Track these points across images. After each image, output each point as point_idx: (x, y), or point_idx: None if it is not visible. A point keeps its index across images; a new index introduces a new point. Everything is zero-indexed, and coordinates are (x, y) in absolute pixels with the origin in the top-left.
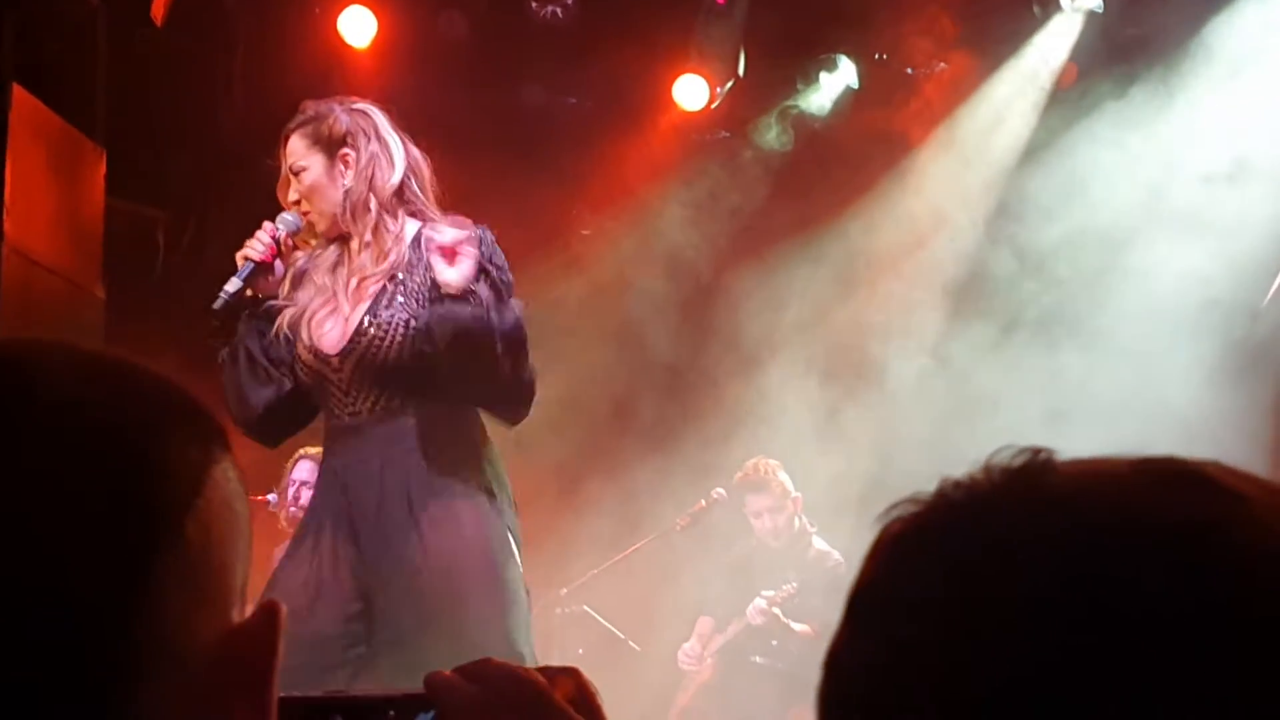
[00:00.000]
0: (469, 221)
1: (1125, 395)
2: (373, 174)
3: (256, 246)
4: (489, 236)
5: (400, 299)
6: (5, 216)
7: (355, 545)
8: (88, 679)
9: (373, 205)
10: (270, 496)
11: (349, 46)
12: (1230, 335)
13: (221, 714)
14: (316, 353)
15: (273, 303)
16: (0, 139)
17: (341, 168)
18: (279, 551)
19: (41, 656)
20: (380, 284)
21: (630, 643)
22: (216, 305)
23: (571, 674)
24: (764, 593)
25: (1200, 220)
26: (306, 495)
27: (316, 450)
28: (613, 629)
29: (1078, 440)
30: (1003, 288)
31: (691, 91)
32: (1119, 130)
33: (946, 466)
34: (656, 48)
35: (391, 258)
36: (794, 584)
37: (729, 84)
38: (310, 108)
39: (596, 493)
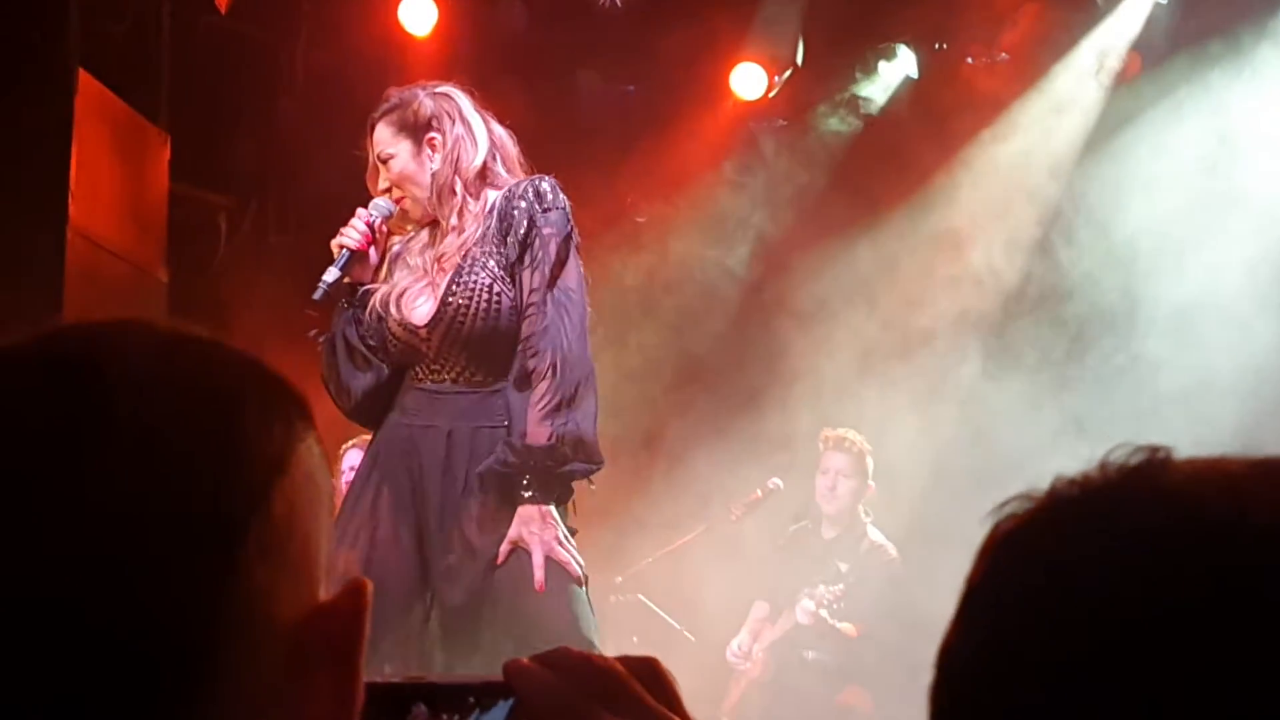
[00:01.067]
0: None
1: (1210, 381)
2: (458, 156)
3: (352, 235)
4: (546, 185)
5: (481, 265)
6: (71, 201)
7: (414, 507)
8: (175, 652)
9: (458, 188)
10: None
11: (410, 35)
12: None
13: (308, 690)
14: (407, 325)
15: (368, 287)
16: (66, 124)
17: (429, 151)
18: None
19: (129, 629)
20: (463, 254)
21: (685, 633)
22: (316, 296)
23: (650, 663)
24: (810, 593)
25: (1271, 206)
26: None
27: (366, 438)
28: (667, 618)
29: (1164, 431)
30: (1065, 279)
31: (749, 80)
32: (1185, 119)
33: (1014, 460)
34: (715, 36)
35: (468, 231)
36: (841, 586)
37: (787, 73)
38: (394, 94)
39: (653, 477)
